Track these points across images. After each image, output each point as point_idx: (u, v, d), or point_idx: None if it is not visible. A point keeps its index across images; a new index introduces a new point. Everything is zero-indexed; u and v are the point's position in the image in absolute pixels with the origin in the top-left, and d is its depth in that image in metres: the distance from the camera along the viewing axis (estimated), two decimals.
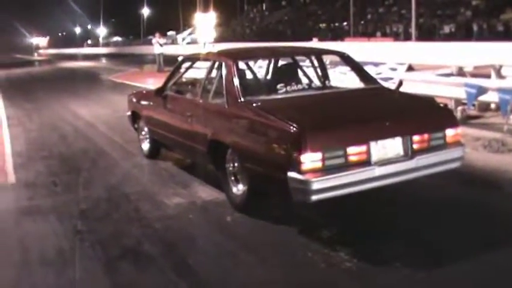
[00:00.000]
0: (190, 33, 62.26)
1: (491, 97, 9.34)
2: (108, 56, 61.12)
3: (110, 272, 4.54)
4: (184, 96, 7.23)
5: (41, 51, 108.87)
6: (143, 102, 8.32)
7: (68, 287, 4.36)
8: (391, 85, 10.95)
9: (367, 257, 4.49)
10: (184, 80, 8.04)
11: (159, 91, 7.47)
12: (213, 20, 28.42)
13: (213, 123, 6.10)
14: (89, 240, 5.20)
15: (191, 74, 8.33)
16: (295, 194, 4.74)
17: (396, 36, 35.47)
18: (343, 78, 9.90)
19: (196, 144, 6.38)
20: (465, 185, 6.25)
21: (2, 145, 10.03)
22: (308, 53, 7.63)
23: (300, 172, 4.62)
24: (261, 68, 8.40)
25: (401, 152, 5.06)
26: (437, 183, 5.92)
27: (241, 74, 6.16)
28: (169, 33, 68.99)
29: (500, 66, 11.08)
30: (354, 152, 4.81)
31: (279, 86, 6.14)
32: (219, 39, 41.91)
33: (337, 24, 47.05)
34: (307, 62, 7.44)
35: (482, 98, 9.54)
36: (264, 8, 68.25)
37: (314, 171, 4.63)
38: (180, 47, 51.43)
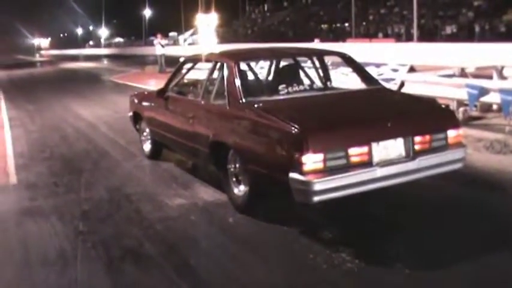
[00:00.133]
0: (192, 34, 62.28)
1: (493, 98, 9.33)
2: (109, 57, 61.12)
3: (112, 273, 4.54)
4: (185, 97, 7.23)
5: (42, 52, 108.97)
6: (145, 103, 8.33)
7: None
8: (393, 86, 10.97)
9: (369, 258, 4.49)
10: (185, 81, 8.03)
11: (161, 92, 7.47)
12: (214, 21, 28.41)
13: (215, 124, 6.10)
14: (91, 241, 5.20)
15: (193, 75, 8.33)
16: (297, 195, 4.73)
17: (398, 37, 35.48)
18: (344, 79, 9.89)
19: (198, 145, 6.38)
20: (467, 185, 6.24)
21: (3, 146, 10.04)
22: (309, 53, 7.62)
23: (301, 173, 4.61)
24: (262, 69, 8.40)
25: (403, 153, 5.05)
26: (439, 184, 5.92)
27: (242, 75, 6.15)
28: (171, 34, 69.17)
29: (502, 67, 11.08)
30: (356, 153, 4.80)
31: (280, 87, 6.12)
32: (221, 40, 41.97)
33: (338, 25, 47.07)
34: (309, 63, 7.44)
35: (484, 99, 9.53)
36: (265, 9, 68.34)
37: (316, 172, 4.63)
38: (182, 48, 51.42)
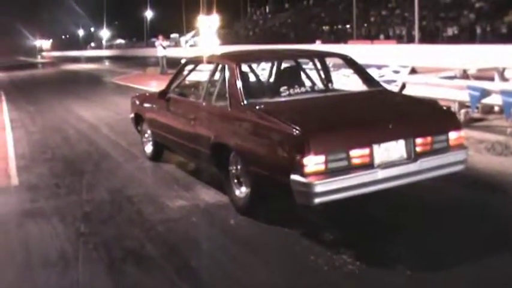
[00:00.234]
0: (193, 36, 62.28)
1: (495, 100, 9.33)
2: (111, 58, 61.18)
3: (113, 274, 4.54)
4: (187, 98, 7.23)
5: (44, 53, 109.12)
6: (146, 105, 8.33)
7: None
8: (394, 88, 10.97)
9: (370, 260, 4.49)
10: (187, 82, 8.04)
11: (162, 94, 7.48)
12: (216, 22, 28.43)
13: (216, 125, 6.10)
14: (92, 242, 5.20)
15: (194, 77, 8.33)
16: (298, 197, 4.73)
17: (399, 39, 35.44)
18: (346, 81, 9.89)
19: (200, 146, 6.38)
20: (468, 187, 6.23)
21: (5, 147, 10.05)
22: (311, 55, 7.63)
23: (303, 175, 4.62)
24: (264, 71, 8.40)
25: (405, 155, 5.05)
26: (440, 185, 5.92)
27: (244, 76, 6.16)
28: (173, 35, 69.10)
29: (504, 69, 11.07)
30: (357, 154, 4.80)
31: (282, 89, 6.13)
32: (223, 42, 41.95)
33: (340, 26, 47.04)
34: (310, 65, 7.44)
35: (486, 100, 9.52)
36: (267, 10, 68.34)
37: (317, 174, 4.63)
38: (183, 50, 51.44)
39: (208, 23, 27.99)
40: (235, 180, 5.84)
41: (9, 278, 4.63)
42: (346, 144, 4.79)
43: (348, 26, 44.77)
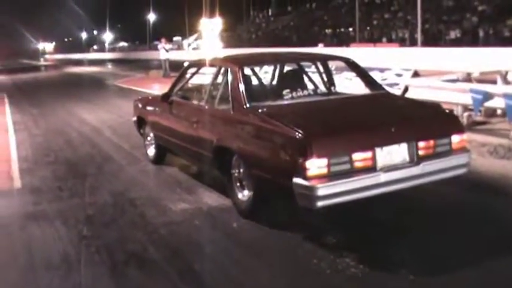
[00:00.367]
0: (196, 39, 62.35)
1: (498, 103, 9.31)
2: (114, 61, 61.26)
3: (116, 278, 4.54)
4: (190, 101, 7.23)
5: (47, 56, 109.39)
6: (149, 108, 8.34)
7: None
8: (397, 91, 10.96)
9: (373, 263, 4.48)
10: (190, 85, 8.05)
11: (165, 97, 7.48)
12: (219, 25, 28.49)
13: (219, 129, 6.11)
14: (95, 245, 5.21)
15: (197, 80, 8.34)
16: (300, 200, 4.73)
17: (402, 42, 35.40)
18: (348, 84, 9.89)
19: (202, 149, 6.38)
20: (471, 190, 6.22)
21: (7, 150, 10.07)
22: (313, 58, 7.63)
23: (305, 178, 4.61)
24: (266, 74, 8.40)
25: (407, 158, 5.05)
26: (443, 188, 5.91)
27: (247, 80, 6.16)
28: (175, 38, 69.13)
29: (507, 72, 11.05)
30: (360, 158, 4.80)
31: (284, 92, 6.14)
32: (225, 45, 42.01)
33: (342, 29, 47.00)
34: (313, 68, 7.44)
35: (489, 103, 9.51)
36: (269, 13, 68.36)
37: (319, 177, 4.63)
38: (186, 53, 51.51)
39: (211, 26, 28.09)
40: (238, 184, 5.84)
41: (12, 281, 4.63)
42: (348, 148, 4.78)
43: (350, 29, 44.72)
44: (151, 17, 77.36)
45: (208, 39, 27.86)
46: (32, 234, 5.64)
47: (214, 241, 5.26)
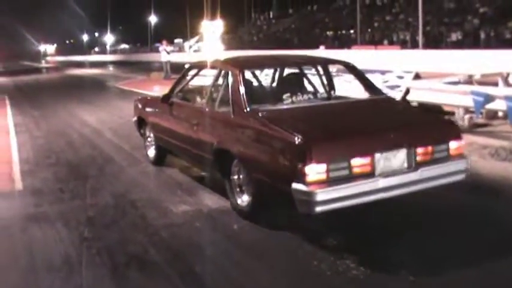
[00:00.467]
0: (197, 41, 62.41)
1: (499, 105, 9.32)
2: (115, 63, 61.26)
3: (117, 279, 4.54)
4: (190, 103, 7.23)
5: (48, 58, 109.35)
6: (149, 109, 8.36)
7: None
8: (398, 93, 10.97)
9: (374, 265, 4.48)
10: (190, 87, 8.06)
11: (166, 98, 7.49)
12: (220, 27, 28.50)
13: (219, 131, 6.13)
14: (96, 247, 5.21)
15: (198, 81, 8.35)
16: (299, 205, 4.75)
17: (403, 44, 35.42)
18: (348, 87, 9.89)
19: (203, 152, 6.40)
20: (472, 193, 6.21)
21: (9, 152, 10.07)
22: (313, 62, 7.64)
23: (304, 183, 4.64)
24: (267, 76, 8.41)
25: (405, 164, 5.06)
26: (444, 191, 5.89)
27: (247, 83, 6.17)
28: (177, 40, 69.25)
29: (508, 74, 11.06)
30: (358, 163, 4.82)
31: (284, 96, 6.16)
32: (227, 47, 42.05)
33: (344, 32, 47.05)
34: (313, 71, 7.45)
35: (490, 106, 9.52)
36: (271, 15, 68.41)
37: (318, 182, 4.65)
38: (187, 55, 51.54)
39: (212, 28, 28.09)
40: (238, 189, 5.86)
41: (14, 283, 4.63)
42: (347, 154, 4.80)
43: (352, 31, 44.77)
44: (153, 19, 77.48)
45: (209, 42, 27.87)
46: (33, 236, 5.64)
47: (215, 243, 5.26)
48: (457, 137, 5.43)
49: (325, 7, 54.96)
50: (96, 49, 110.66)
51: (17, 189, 7.51)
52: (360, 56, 27.07)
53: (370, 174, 4.86)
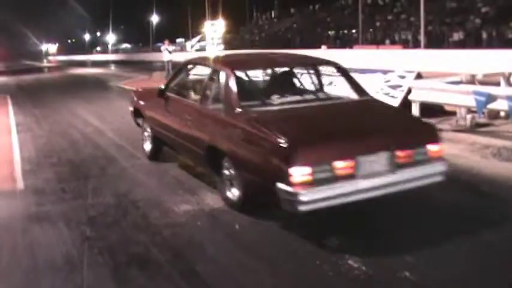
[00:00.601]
0: (199, 41, 62.43)
1: (501, 105, 9.31)
2: (117, 62, 61.27)
3: (118, 279, 4.54)
4: (185, 99, 7.44)
5: (50, 57, 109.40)
6: (145, 102, 8.65)
7: None
8: (400, 93, 10.96)
9: (376, 265, 4.48)
10: (186, 81, 8.13)
11: (162, 92, 7.71)
12: (221, 27, 28.53)
13: (211, 129, 6.33)
14: (97, 247, 5.21)
15: (194, 77, 8.43)
16: (284, 204, 4.96)
17: (405, 44, 35.36)
18: (339, 85, 9.88)
19: (195, 147, 6.65)
20: (474, 193, 6.21)
21: (10, 151, 10.07)
22: (304, 63, 7.81)
23: (289, 184, 4.83)
24: (258, 76, 8.50)
25: (386, 167, 5.20)
26: (445, 191, 5.91)
27: (238, 83, 6.29)
28: (178, 40, 69.30)
29: (510, 74, 11.05)
30: (341, 166, 4.99)
31: (275, 97, 6.42)
32: (228, 47, 42.01)
33: (345, 31, 47.01)
34: (304, 70, 7.64)
35: (492, 105, 9.51)
36: (272, 15, 68.37)
37: (303, 184, 4.84)
38: (189, 55, 51.56)
39: (214, 28, 28.12)
40: (228, 183, 6.03)
41: (15, 282, 4.64)
42: (331, 156, 5.00)
43: (353, 31, 44.69)
44: (155, 18, 77.46)
45: (211, 41, 27.90)
46: (35, 236, 5.64)
47: (217, 242, 5.26)
48: (436, 140, 5.59)
49: (327, 7, 54.88)
50: (98, 48, 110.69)
51: (19, 188, 7.51)
52: (361, 56, 27.05)
53: (351, 176, 5.02)
